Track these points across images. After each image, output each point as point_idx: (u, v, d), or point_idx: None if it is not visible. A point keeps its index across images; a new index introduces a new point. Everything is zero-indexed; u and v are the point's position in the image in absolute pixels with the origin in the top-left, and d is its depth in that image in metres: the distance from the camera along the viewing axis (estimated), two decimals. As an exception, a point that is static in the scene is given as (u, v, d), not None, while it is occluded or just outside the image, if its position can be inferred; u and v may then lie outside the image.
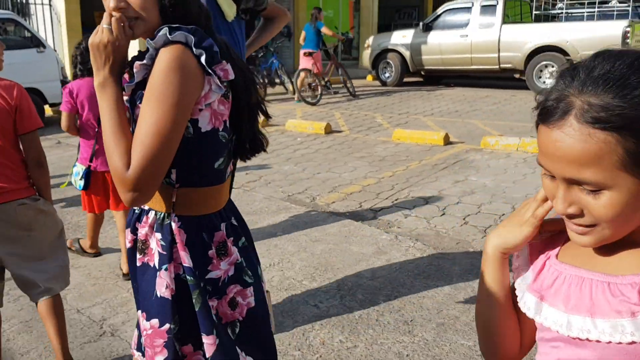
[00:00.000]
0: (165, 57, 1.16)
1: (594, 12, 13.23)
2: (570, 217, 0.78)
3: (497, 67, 11.47)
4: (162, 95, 1.14)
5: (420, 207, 4.49)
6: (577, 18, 13.59)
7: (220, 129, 1.26)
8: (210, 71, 1.18)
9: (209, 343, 1.30)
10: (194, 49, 1.18)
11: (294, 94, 11.84)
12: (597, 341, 0.79)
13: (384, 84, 13.07)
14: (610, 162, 0.72)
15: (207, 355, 1.31)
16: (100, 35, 1.22)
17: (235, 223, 1.38)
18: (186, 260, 1.29)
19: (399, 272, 3.34)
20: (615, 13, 14.57)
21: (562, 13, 13.70)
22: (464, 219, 4.19)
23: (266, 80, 11.20)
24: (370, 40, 13.37)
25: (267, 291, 1.70)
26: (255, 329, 1.37)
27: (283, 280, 3.30)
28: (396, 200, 4.69)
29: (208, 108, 1.22)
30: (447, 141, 6.67)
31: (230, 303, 1.33)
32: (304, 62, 11.15)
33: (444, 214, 4.30)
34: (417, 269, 3.37)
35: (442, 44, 11.97)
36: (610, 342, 0.77)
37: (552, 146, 0.76)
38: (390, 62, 12.86)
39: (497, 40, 11.29)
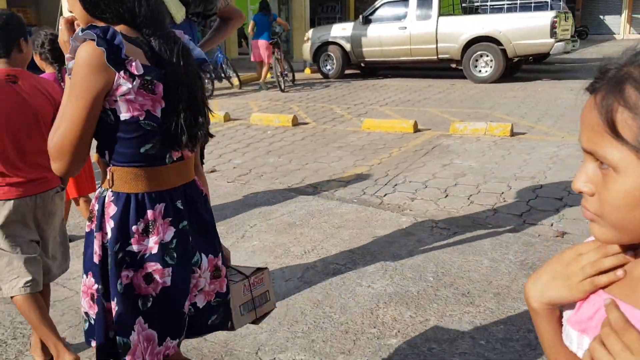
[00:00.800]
0: (78, 53, 1.35)
1: (516, 4, 14.11)
2: (583, 197, 0.73)
3: (436, 57, 11.97)
4: (71, 87, 1.36)
5: (423, 190, 4.70)
6: (500, 10, 14.43)
7: (142, 118, 1.39)
8: (114, 66, 1.33)
9: (111, 307, 1.49)
10: (98, 46, 1.33)
11: (240, 87, 11.78)
12: None
13: (325, 76, 13.25)
14: (621, 139, 0.66)
15: (102, 315, 1.52)
16: (60, 34, 1.50)
17: (181, 207, 1.49)
18: (107, 230, 1.46)
19: (434, 250, 3.51)
20: (533, 5, 15.62)
21: (486, 5, 14.48)
22: (468, 198, 4.44)
23: (212, 75, 11.04)
24: (310, 33, 13.50)
25: (266, 268, 1.91)
26: (166, 307, 1.49)
27: (326, 265, 3.38)
28: (396, 185, 4.87)
29: (122, 99, 1.35)
30: (416, 129, 6.95)
31: (146, 277, 1.47)
32: (266, 53, 11.18)
33: (447, 195, 4.54)
34: (450, 246, 3.57)
35: (382, 36, 12.31)
36: None
37: (582, 115, 0.73)
38: (332, 54, 13.06)
39: (434, 31, 11.77)
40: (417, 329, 2.69)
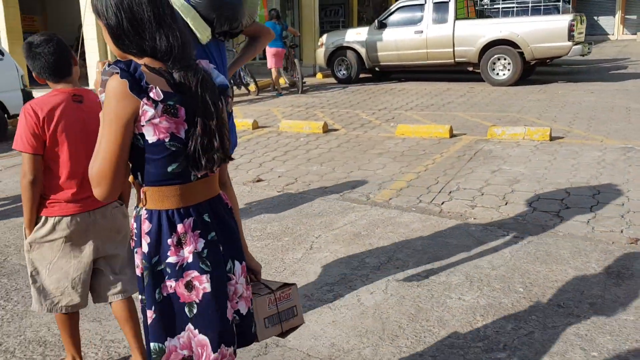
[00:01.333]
0: (106, 86, 1.50)
1: (528, 6, 14.16)
2: None
3: (452, 61, 11.98)
4: (103, 116, 1.50)
5: (480, 197, 4.67)
6: (510, 13, 14.48)
7: (167, 140, 1.51)
8: (136, 94, 1.46)
9: (149, 316, 1.62)
10: (121, 77, 1.47)
11: (257, 94, 11.75)
12: None
13: (340, 81, 13.24)
14: None
15: (147, 323, 1.64)
16: (96, 75, 1.62)
17: (208, 219, 1.61)
18: (144, 245, 1.60)
19: (514, 260, 3.49)
20: (542, 7, 15.68)
21: (498, 9, 14.55)
22: (530, 205, 4.42)
23: (232, 82, 11.02)
24: (324, 39, 13.48)
25: (293, 284, 1.98)
26: (212, 312, 1.60)
27: (408, 277, 3.35)
28: (450, 192, 4.85)
29: (149, 124, 1.48)
30: (452, 134, 6.94)
31: (187, 285, 1.59)
32: (276, 60, 11.29)
33: (507, 202, 4.52)
34: (528, 255, 3.54)
35: (398, 40, 12.31)
36: None
37: None
38: (346, 59, 13.05)
39: (451, 35, 11.78)
40: (523, 342, 2.66)
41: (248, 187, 5.38)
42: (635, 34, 27.39)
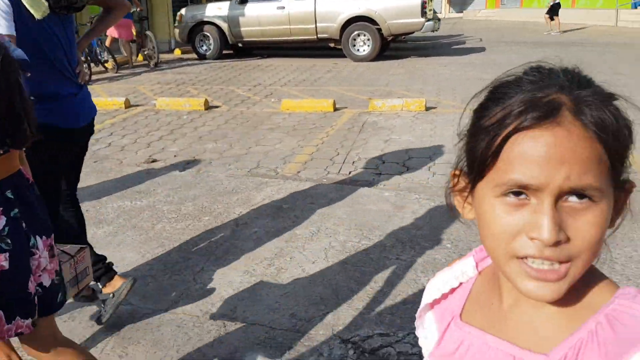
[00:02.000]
0: None
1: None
2: (551, 249, 0.61)
3: (315, 37, 12.26)
4: None
5: (383, 165, 4.94)
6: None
7: None
8: None
9: None
10: None
11: (116, 71, 11.00)
12: None
13: (202, 57, 12.87)
14: (605, 167, 0.61)
15: None
16: None
17: (11, 196, 1.61)
18: None
19: (434, 220, 3.78)
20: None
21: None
22: (429, 169, 4.78)
23: (89, 59, 10.17)
24: (183, 12, 12.96)
25: (86, 247, 2.20)
26: (8, 289, 1.60)
27: (343, 244, 3.48)
28: (354, 162, 5.05)
29: None
30: (335, 107, 7.16)
31: None
32: (123, 32, 10.59)
33: (408, 168, 4.83)
34: (444, 215, 3.86)
35: (261, 16, 12.26)
36: None
37: (547, 150, 0.60)
38: (208, 34, 12.70)
39: (313, 11, 12.01)
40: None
41: (143, 168, 5.10)
42: (461, 12, 30.16)
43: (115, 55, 11.10)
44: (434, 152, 5.24)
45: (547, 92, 0.62)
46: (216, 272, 3.20)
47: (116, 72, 10.93)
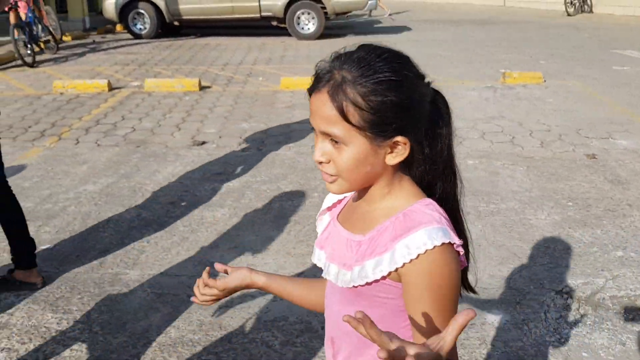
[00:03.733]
0: None
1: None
2: (322, 165, 0.97)
3: (259, 15, 12.08)
4: None
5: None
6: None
7: None
8: None
9: None
10: None
11: (55, 51, 10.03)
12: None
13: (137, 36, 12.14)
14: (350, 123, 0.91)
15: None
16: None
17: None
18: None
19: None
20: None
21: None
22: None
23: (30, 40, 9.13)
24: (114, -12, 12.08)
25: None
26: None
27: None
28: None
29: None
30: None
31: None
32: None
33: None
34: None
35: (201, -7, 11.82)
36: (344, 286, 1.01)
37: (314, 107, 0.94)
38: (143, 12, 12.00)
39: (256, -11, 11.81)
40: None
41: (195, 150, 4.92)
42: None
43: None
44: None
45: (320, 68, 0.95)
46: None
47: (55, 53, 10.01)
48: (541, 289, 2.81)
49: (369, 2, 11.99)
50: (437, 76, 7.67)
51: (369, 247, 0.96)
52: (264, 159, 4.67)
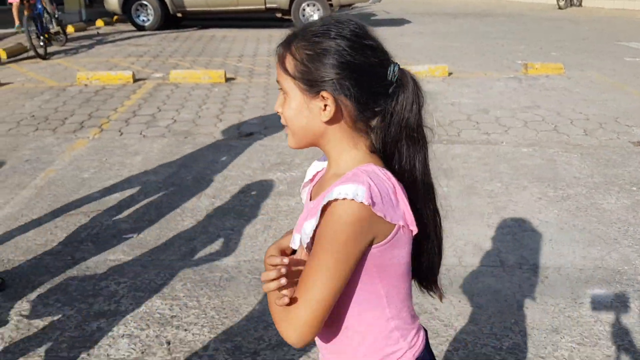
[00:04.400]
0: None
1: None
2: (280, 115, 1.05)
3: (264, 7, 12.03)
4: None
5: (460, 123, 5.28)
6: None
7: None
8: None
9: None
10: None
11: (63, 43, 9.85)
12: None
13: (140, 28, 12.00)
14: (287, 73, 1.00)
15: None
16: None
17: None
18: None
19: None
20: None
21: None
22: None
23: (44, 34, 8.92)
24: (117, -20, 11.90)
25: None
26: None
27: (543, 194, 3.78)
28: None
29: None
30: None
31: None
32: None
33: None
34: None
35: (206, -16, 11.72)
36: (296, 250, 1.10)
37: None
38: (147, 3, 11.86)
39: (261, -20, 11.77)
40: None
41: (245, 141, 4.92)
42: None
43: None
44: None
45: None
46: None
47: (64, 45, 9.85)
48: (635, 269, 2.91)
49: (374, -6, 12.04)
50: (457, 67, 7.79)
51: (312, 210, 1.01)
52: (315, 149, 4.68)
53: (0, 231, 3.38)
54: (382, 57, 1.00)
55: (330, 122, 1.00)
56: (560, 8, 17.66)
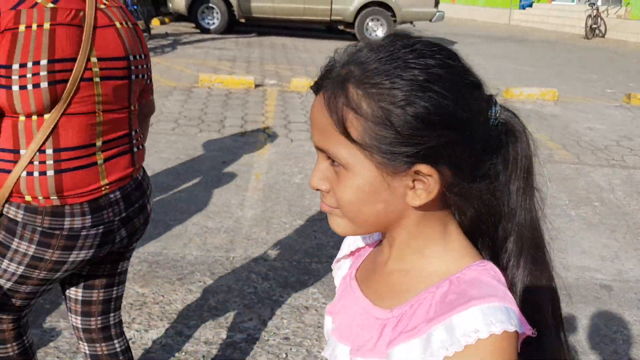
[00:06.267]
0: None
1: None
2: (321, 194, 0.73)
3: (329, 19, 12.16)
4: None
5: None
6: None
7: None
8: None
9: None
10: None
11: (147, 39, 9.83)
12: None
13: (205, 31, 11.99)
14: (349, 138, 0.66)
15: None
16: None
17: None
18: None
19: None
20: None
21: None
22: None
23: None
24: (186, -18, 11.89)
25: None
26: None
27: None
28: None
29: None
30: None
31: None
32: None
33: None
34: None
35: (275, -8, 11.81)
36: None
37: (312, 114, 0.70)
38: (215, 7, 11.87)
39: (330, -8, 11.91)
40: None
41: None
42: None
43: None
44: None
45: (329, 61, 0.71)
46: None
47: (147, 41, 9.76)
48: None
49: (437, 13, 12.28)
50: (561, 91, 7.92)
51: (397, 328, 0.70)
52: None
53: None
54: (485, 97, 0.70)
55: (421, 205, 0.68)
56: (587, 38, 18.19)
